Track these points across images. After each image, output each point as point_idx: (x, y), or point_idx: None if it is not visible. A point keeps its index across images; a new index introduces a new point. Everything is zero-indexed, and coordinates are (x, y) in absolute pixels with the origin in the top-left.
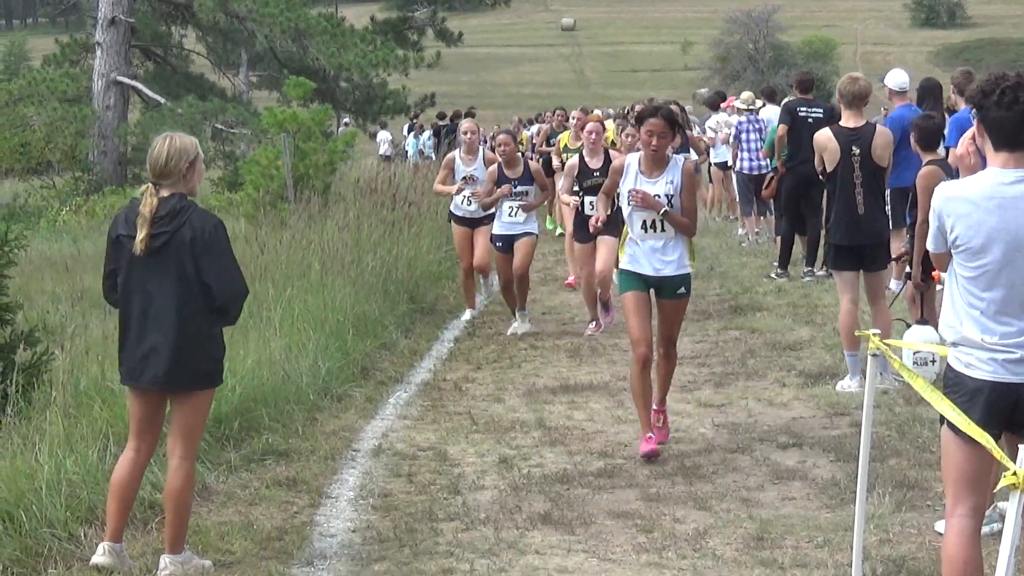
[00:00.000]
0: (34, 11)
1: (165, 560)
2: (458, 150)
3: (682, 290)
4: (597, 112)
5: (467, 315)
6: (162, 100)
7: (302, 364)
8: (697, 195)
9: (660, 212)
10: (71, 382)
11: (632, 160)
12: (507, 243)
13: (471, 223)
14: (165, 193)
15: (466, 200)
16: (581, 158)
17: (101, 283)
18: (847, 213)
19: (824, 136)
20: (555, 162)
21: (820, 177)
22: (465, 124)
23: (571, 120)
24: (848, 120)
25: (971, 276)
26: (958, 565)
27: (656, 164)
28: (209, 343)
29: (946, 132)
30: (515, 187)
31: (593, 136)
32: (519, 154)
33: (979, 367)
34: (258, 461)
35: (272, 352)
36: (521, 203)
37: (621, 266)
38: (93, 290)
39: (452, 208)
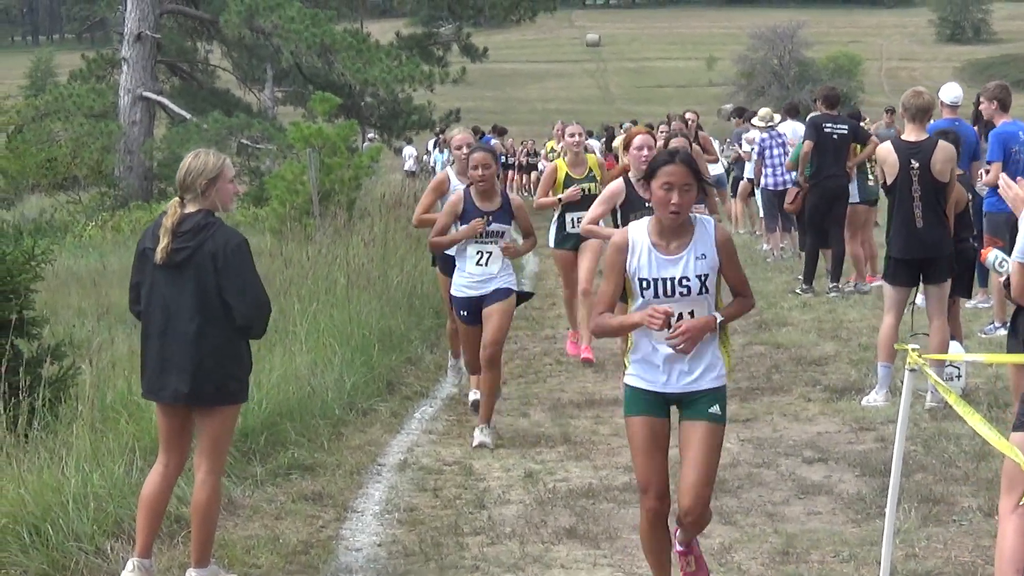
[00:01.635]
0: (60, 27)
1: (191, 574)
2: (450, 167)
3: (716, 409)
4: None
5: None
6: (188, 115)
7: (328, 379)
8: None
9: (715, 325)
10: (97, 396)
11: (637, 235)
12: (473, 309)
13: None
14: (191, 208)
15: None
16: (627, 183)
17: (128, 296)
18: (905, 226)
19: (884, 149)
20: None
21: (883, 189)
22: (458, 138)
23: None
24: (910, 134)
25: None
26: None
27: (676, 233)
28: (231, 360)
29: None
30: (488, 224)
31: (644, 153)
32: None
33: None
34: (284, 475)
35: (298, 367)
36: (495, 245)
37: (627, 380)
38: (119, 305)
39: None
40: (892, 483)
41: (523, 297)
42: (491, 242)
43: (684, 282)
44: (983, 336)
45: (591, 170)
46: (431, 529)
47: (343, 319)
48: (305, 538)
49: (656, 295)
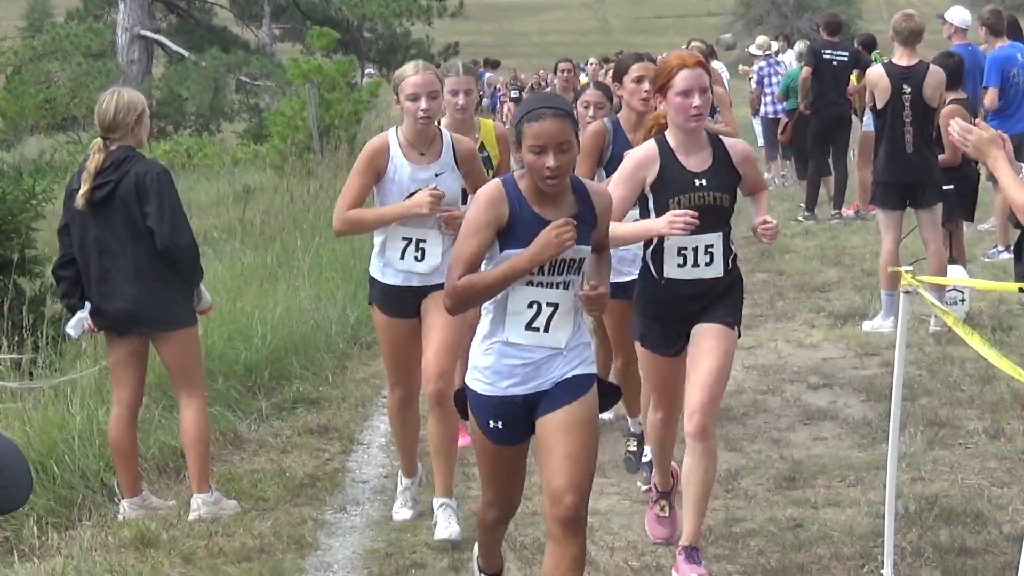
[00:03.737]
0: None
1: (197, 500)
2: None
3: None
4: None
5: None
6: (186, 53)
7: (331, 313)
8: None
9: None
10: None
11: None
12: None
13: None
14: (113, 148)
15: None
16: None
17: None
18: (895, 151)
19: (876, 73)
20: None
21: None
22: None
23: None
24: (901, 58)
25: None
26: None
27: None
28: (170, 285)
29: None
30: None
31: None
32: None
33: None
34: (289, 409)
35: (301, 301)
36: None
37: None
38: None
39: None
40: (894, 407)
41: None
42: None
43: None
44: (986, 260)
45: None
46: None
47: (345, 253)
48: (311, 471)
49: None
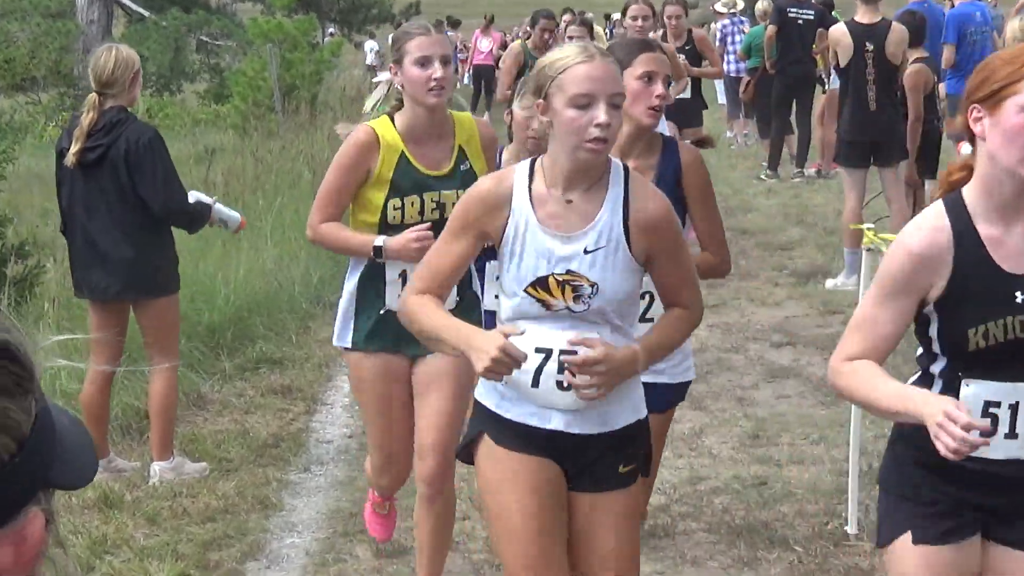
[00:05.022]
0: None
1: (155, 468)
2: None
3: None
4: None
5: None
6: (146, 13)
7: (294, 273)
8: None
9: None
10: (63, 295)
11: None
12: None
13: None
14: (108, 105)
15: None
16: None
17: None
18: (859, 109)
19: (839, 31)
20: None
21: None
22: None
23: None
24: (863, 16)
25: None
26: None
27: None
28: (156, 252)
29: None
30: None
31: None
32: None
33: None
34: (252, 370)
35: (264, 262)
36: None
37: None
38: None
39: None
40: None
41: None
42: None
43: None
44: None
45: None
46: None
47: (308, 213)
48: (275, 431)
49: None
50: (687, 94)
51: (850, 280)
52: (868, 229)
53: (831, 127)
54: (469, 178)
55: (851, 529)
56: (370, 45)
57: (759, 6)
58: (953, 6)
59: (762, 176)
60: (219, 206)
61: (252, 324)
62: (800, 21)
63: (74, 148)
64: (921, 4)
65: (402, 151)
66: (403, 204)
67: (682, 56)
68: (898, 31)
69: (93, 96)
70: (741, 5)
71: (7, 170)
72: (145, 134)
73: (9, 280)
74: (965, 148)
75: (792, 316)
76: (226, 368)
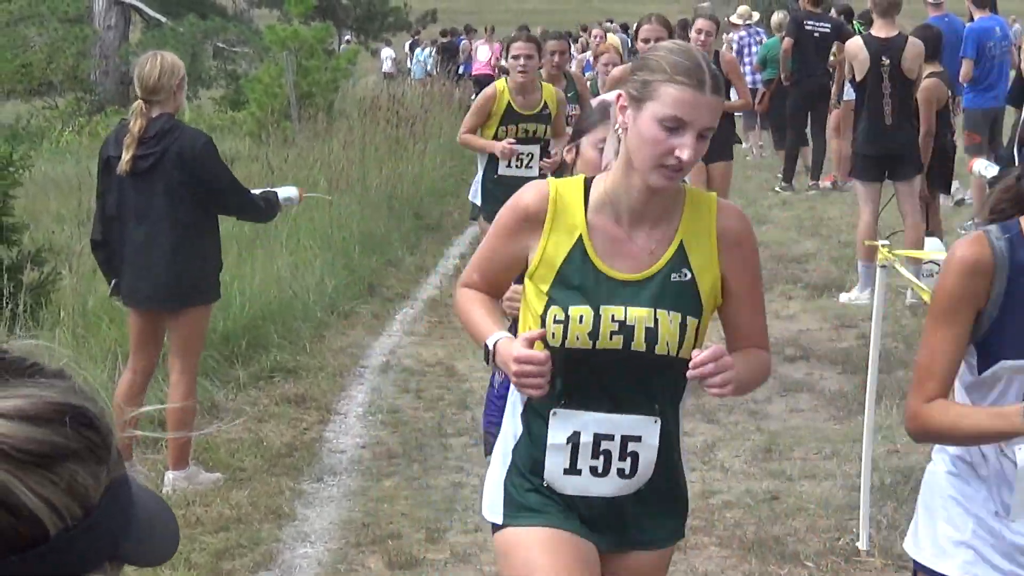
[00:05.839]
0: None
1: (169, 477)
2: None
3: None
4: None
5: None
6: (163, 19)
7: (309, 281)
8: None
9: None
10: (79, 302)
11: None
12: None
13: None
14: (155, 112)
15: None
16: None
17: (96, 206)
18: (875, 123)
19: (855, 45)
20: None
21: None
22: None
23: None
24: (880, 30)
25: None
26: None
27: None
28: (205, 261)
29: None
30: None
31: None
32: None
33: None
34: (267, 378)
35: (279, 270)
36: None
37: None
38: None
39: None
40: (870, 379)
41: None
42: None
43: None
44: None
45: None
46: (414, 430)
47: (323, 222)
48: (289, 440)
49: None
50: None
51: (864, 294)
52: (883, 246)
53: (846, 139)
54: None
55: (862, 545)
56: (386, 53)
57: (775, 18)
58: (972, 20)
59: (777, 188)
60: (279, 190)
61: (266, 333)
62: (817, 34)
63: (126, 156)
64: (942, 18)
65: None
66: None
67: None
68: (915, 45)
69: (139, 103)
70: (757, 16)
71: (24, 176)
72: (200, 139)
73: (25, 287)
74: (978, 164)
75: (806, 330)
76: (240, 376)
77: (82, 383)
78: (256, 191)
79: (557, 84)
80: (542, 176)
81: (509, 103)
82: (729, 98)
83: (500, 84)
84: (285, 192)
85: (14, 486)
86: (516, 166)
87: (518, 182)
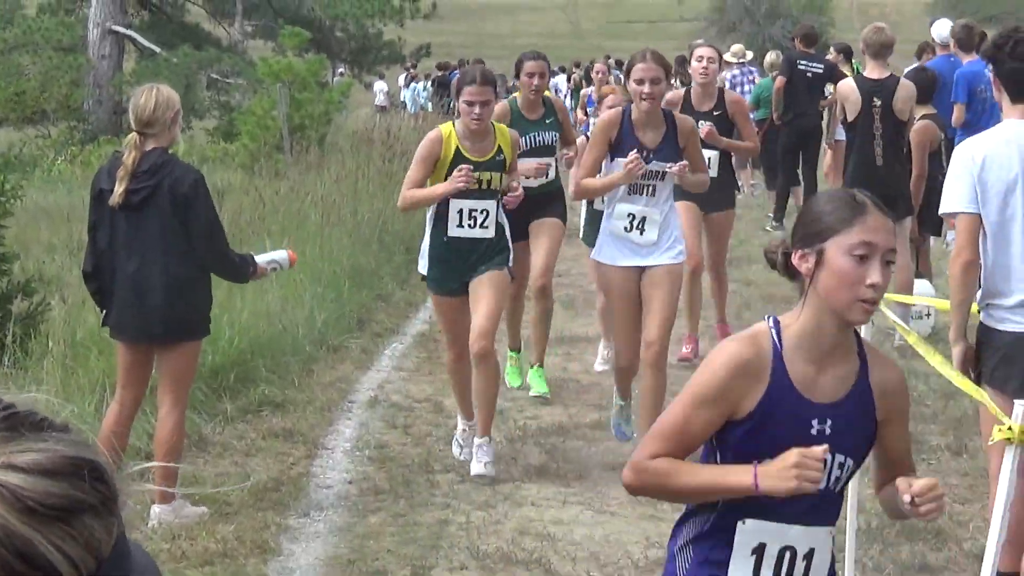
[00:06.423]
0: None
1: (155, 510)
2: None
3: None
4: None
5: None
6: (157, 49)
7: (298, 315)
8: None
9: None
10: (68, 332)
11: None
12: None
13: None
14: (149, 145)
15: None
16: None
17: (87, 237)
18: (865, 164)
19: (847, 86)
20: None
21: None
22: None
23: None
24: (872, 71)
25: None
26: None
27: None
28: (195, 296)
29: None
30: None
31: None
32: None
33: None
34: (254, 412)
35: (269, 303)
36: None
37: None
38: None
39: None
40: None
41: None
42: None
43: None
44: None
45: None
46: (402, 466)
47: (314, 255)
48: (276, 475)
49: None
50: (714, 171)
51: None
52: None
53: (837, 179)
54: None
55: None
56: (379, 86)
57: (768, 58)
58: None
59: (768, 227)
60: (260, 256)
61: (255, 366)
62: (809, 74)
63: (119, 189)
64: (948, 58)
65: None
66: None
67: (709, 123)
68: (906, 87)
69: (134, 136)
70: (751, 55)
71: (15, 206)
72: (191, 175)
73: (14, 317)
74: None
75: None
76: (228, 410)
77: (86, 436)
78: (254, 255)
79: (534, 111)
80: (499, 234)
81: (458, 148)
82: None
83: (446, 128)
84: (271, 256)
85: (37, 540)
86: (469, 225)
87: (473, 245)
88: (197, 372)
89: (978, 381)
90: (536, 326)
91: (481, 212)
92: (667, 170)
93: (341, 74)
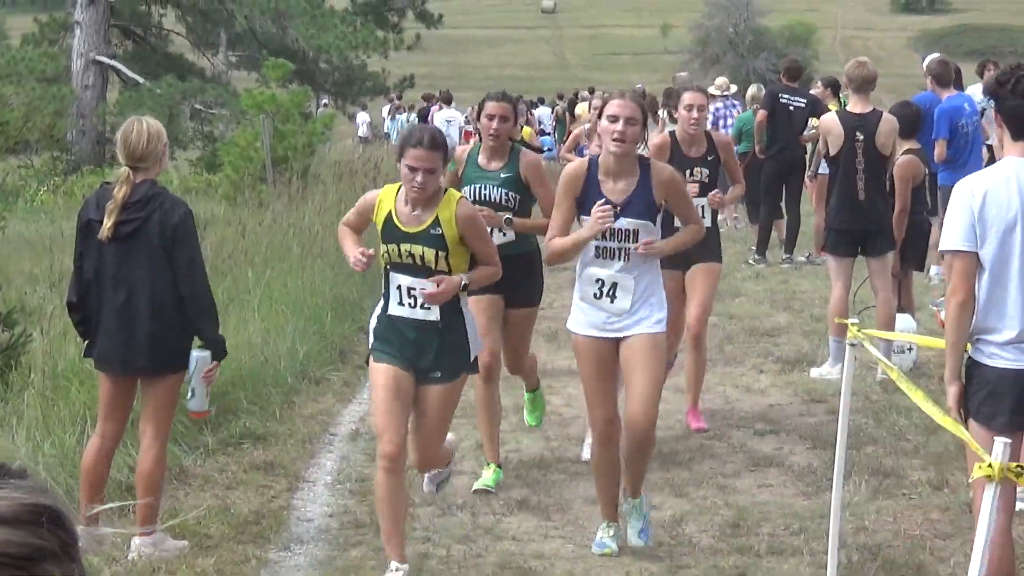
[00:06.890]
0: None
1: (135, 543)
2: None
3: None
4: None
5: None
6: (141, 80)
7: (280, 347)
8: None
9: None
10: (49, 364)
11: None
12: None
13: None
14: (139, 178)
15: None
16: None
17: (73, 267)
18: (847, 198)
19: (830, 120)
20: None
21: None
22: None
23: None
24: (855, 105)
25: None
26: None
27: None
28: (181, 328)
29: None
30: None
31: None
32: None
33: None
34: (236, 445)
35: (251, 335)
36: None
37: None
38: (72, 271)
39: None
40: (838, 456)
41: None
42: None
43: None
44: (934, 308)
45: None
46: None
47: (296, 287)
48: (256, 508)
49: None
50: (708, 221)
51: (835, 369)
52: (852, 324)
53: (821, 213)
54: None
55: None
56: (362, 117)
57: (750, 92)
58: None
59: (750, 260)
60: (200, 381)
61: (236, 398)
62: (792, 107)
63: (108, 222)
64: (933, 94)
65: None
66: None
67: (705, 170)
68: (888, 122)
69: (126, 170)
70: (734, 89)
71: None
72: (179, 210)
73: None
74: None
75: (776, 404)
76: (209, 442)
77: (41, 480)
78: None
79: (493, 160)
80: (455, 326)
81: (391, 215)
82: (715, 180)
83: (385, 192)
84: (202, 388)
85: None
86: (409, 305)
87: (419, 331)
88: (179, 404)
89: (966, 416)
90: (483, 415)
91: (417, 291)
92: (632, 249)
93: (325, 105)
